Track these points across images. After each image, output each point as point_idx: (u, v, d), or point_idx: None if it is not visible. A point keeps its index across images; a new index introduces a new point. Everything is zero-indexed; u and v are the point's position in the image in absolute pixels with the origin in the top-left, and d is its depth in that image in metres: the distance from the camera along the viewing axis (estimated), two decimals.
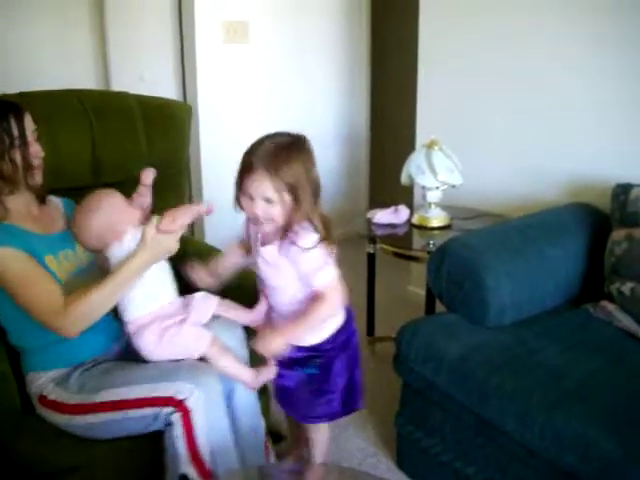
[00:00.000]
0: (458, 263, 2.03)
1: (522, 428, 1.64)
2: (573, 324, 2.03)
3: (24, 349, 1.73)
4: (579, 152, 2.60)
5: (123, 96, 2.24)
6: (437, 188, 2.62)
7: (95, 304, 1.60)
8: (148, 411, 1.59)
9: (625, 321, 1.98)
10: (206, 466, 1.58)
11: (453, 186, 2.61)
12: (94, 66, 3.84)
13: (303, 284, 1.67)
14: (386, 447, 2.29)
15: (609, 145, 2.49)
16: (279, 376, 1.77)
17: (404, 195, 3.35)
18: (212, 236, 3.73)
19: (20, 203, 1.73)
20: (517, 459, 1.72)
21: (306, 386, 1.79)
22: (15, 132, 1.66)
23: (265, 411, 1.92)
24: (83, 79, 3.78)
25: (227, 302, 1.79)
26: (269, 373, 1.72)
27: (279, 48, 4.03)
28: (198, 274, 1.79)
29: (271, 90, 4.06)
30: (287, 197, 1.59)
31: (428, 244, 2.55)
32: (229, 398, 1.74)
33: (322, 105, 4.36)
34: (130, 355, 1.74)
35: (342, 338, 1.79)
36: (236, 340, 1.82)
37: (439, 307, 2.32)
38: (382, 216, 2.75)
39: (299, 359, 1.75)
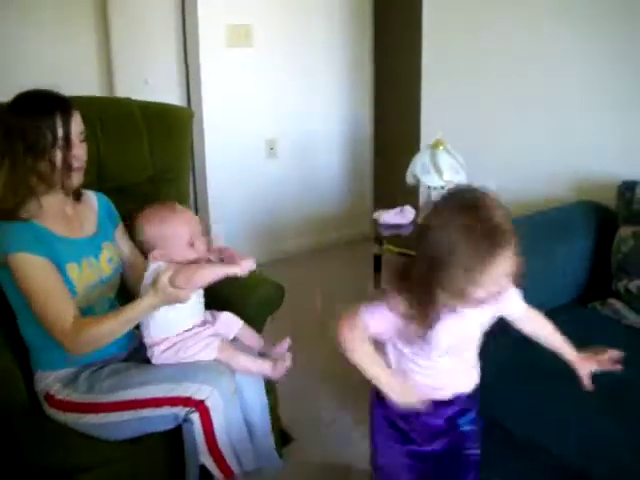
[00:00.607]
0: None
1: (533, 431, 1.63)
2: (580, 322, 2.02)
3: (33, 346, 1.72)
4: (585, 150, 2.59)
5: (126, 102, 2.25)
6: (442, 188, 2.62)
7: (102, 335, 1.61)
8: (166, 411, 1.60)
9: (633, 318, 1.98)
10: (226, 461, 1.63)
11: None
12: (98, 70, 3.86)
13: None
14: None
15: (615, 143, 2.48)
16: (413, 442, 1.48)
17: (409, 196, 3.35)
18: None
19: (55, 202, 1.70)
20: (523, 460, 1.71)
21: (458, 450, 1.51)
22: (60, 132, 1.61)
23: (274, 412, 1.92)
24: (87, 83, 3.80)
25: (249, 330, 1.86)
26: (286, 361, 1.76)
27: (282, 51, 4.03)
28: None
29: (275, 93, 4.07)
30: None
31: None
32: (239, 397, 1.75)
33: (326, 107, 4.36)
34: (139, 356, 1.75)
35: None
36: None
37: None
38: (388, 217, 2.75)
39: (455, 413, 1.48)
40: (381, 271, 2.89)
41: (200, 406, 1.58)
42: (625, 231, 2.08)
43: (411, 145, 3.38)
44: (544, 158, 2.76)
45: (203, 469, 1.65)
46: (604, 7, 2.44)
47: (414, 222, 2.75)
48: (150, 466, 1.71)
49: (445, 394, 1.43)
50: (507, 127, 2.91)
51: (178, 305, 1.62)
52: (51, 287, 1.59)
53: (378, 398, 1.47)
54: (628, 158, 2.42)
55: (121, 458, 1.64)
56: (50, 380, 1.69)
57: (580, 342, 1.86)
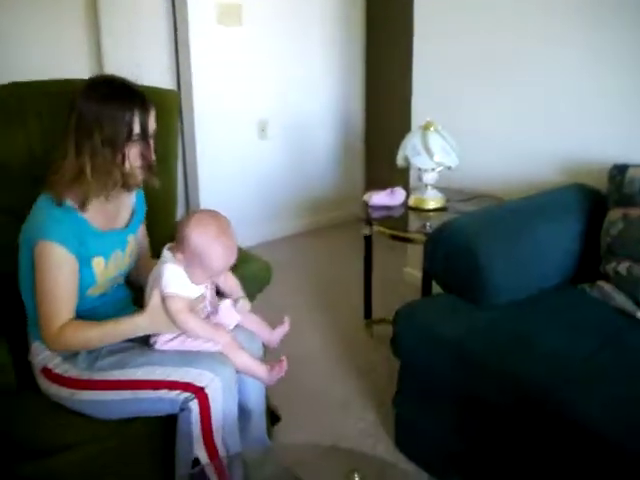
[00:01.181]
0: (454, 244, 2.03)
1: (521, 408, 1.65)
2: (570, 304, 2.03)
3: (33, 317, 1.69)
4: (576, 133, 2.59)
5: None
6: (433, 170, 2.62)
7: (84, 343, 1.63)
8: (164, 394, 1.59)
9: (621, 300, 1.99)
10: (217, 450, 1.62)
11: (449, 167, 2.61)
12: (88, 52, 3.81)
13: None
14: (384, 428, 2.30)
15: (606, 126, 2.48)
16: None
17: (400, 177, 3.35)
18: None
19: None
20: (514, 440, 1.73)
21: None
22: (137, 127, 1.58)
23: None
24: (77, 65, 3.76)
25: (253, 316, 1.84)
26: (281, 370, 1.74)
27: (273, 30, 4.00)
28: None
29: (265, 73, 4.04)
30: None
31: (424, 226, 2.55)
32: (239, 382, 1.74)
33: (317, 88, 4.34)
34: (142, 338, 1.73)
35: None
36: (255, 349, 1.82)
37: (436, 288, 2.32)
38: (378, 198, 2.75)
39: None
40: (372, 252, 2.90)
41: (200, 393, 1.57)
42: (615, 214, 2.09)
43: (403, 127, 3.37)
44: (535, 141, 2.76)
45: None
46: None
47: (405, 204, 2.75)
48: (136, 450, 1.70)
49: None
50: (497, 110, 2.90)
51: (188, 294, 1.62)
52: (60, 285, 1.58)
53: None
54: (618, 141, 2.42)
55: (107, 438, 1.64)
56: (49, 353, 1.67)
57: (569, 324, 1.89)
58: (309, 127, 4.34)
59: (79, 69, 3.72)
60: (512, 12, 2.76)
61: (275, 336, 1.83)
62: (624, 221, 2.04)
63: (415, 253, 3.35)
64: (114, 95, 1.58)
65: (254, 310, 1.87)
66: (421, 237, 2.42)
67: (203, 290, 1.68)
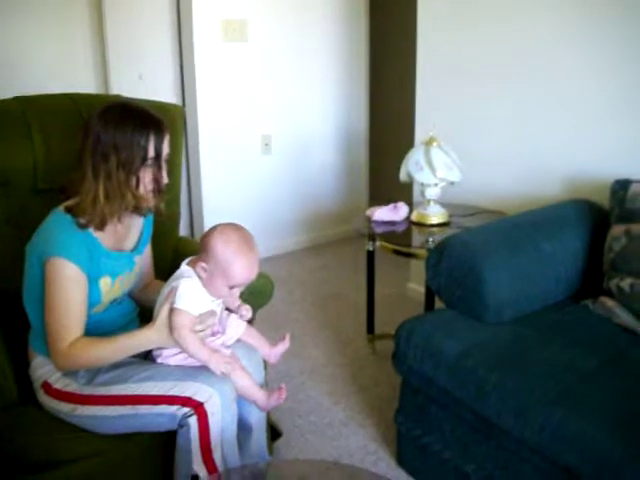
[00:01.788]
0: (457, 260, 2.03)
1: (521, 425, 1.63)
2: (572, 320, 2.02)
3: (38, 330, 1.69)
4: (578, 148, 2.59)
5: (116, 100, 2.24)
6: (436, 185, 2.62)
7: (94, 359, 1.61)
8: (163, 409, 1.58)
9: (624, 317, 1.98)
10: (216, 466, 1.61)
11: (452, 183, 2.61)
12: (93, 66, 3.85)
13: None
14: (386, 444, 2.29)
15: (608, 141, 2.48)
16: None
17: (404, 192, 3.35)
18: None
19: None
20: (516, 456, 1.72)
21: None
22: (151, 152, 1.61)
23: None
24: (82, 79, 3.80)
25: (253, 331, 1.83)
26: (280, 398, 1.74)
27: (278, 46, 4.03)
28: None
29: (270, 88, 4.06)
30: None
31: (427, 241, 2.55)
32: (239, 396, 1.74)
33: (321, 103, 4.36)
34: (143, 353, 1.73)
35: None
36: (254, 364, 1.81)
37: (439, 304, 2.32)
38: (381, 213, 2.75)
39: None
40: (374, 267, 2.90)
41: (199, 409, 1.56)
42: (617, 229, 2.08)
43: (406, 142, 3.38)
44: (537, 157, 2.76)
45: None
46: (598, 6, 2.44)
47: (408, 219, 2.75)
48: (135, 466, 1.69)
49: None
50: (500, 126, 2.91)
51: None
52: (72, 302, 1.58)
53: None
54: (621, 156, 2.42)
55: (107, 453, 1.63)
56: (50, 367, 1.67)
57: (572, 340, 1.88)
58: (313, 142, 4.35)
59: (85, 83, 3.76)
60: (514, 29, 2.77)
61: (275, 352, 1.83)
62: (627, 237, 2.04)
63: (418, 268, 3.34)
64: (131, 120, 1.59)
65: (254, 325, 1.87)
66: (424, 252, 2.42)
67: (214, 306, 1.68)
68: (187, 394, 1.57)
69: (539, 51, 2.69)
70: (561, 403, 1.59)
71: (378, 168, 4.94)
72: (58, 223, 1.61)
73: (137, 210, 1.69)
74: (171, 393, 1.58)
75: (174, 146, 2.19)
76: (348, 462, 2.17)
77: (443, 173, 2.56)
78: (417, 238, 2.69)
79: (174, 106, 2.33)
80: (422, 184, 2.64)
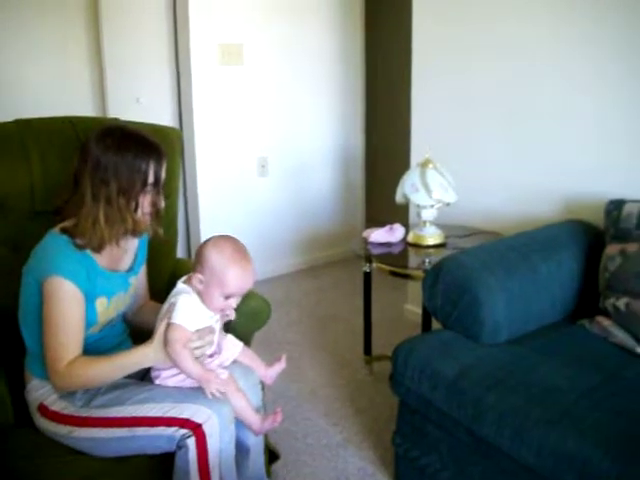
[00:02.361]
0: (453, 281, 2.04)
1: (518, 446, 1.63)
2: (569, 340, 2.03)
3: (34, 353, 1.69)
4: (573, 169, 2.61)
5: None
6: (432, 206, 2.63)
7: (92, 378, 1.61)
8: (161, 431, 1.57)
9: (621, 336, 1.98)
10: None
11: (447, 204, 2.63)
12: (91, 89, 3.87)
13: None
14: (384, 466, 2.28)
15: (602, 162, 2.50)
16: None
17: (400, 214, 3.37)
18: None
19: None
20: (514, 477, 1.71)
21: None
22: (151, 178, 1.63)
23: None
24: (80, 102, 3.82)
25: (249, 352, 1.83)
26: (275, 422, 1.74)
27: (273, 70, 4.07)
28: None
29: (266, 111, 4.09)
30: None
31: (423, 262, 2.56)
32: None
33: (317, 125, 4.39)
34: (141, 374, 1.73)
35: None
36: (251, 386, 1.81)
37: (435, 325, 2.32)
38: (378, 235, 2.76)
39: None
40: (371, 289, 2.90)
41: (197, 430, 1.55)
42: (612, 249, 2.09)
43: (402, 163, 3.40)
44: (532, 177, 2.78)
45: None
46: (592, 26, 2.47)
47: (404, 240, 2.76)
48: None
49: None
50: (495, 147, 2.93)
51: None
52: (69, 321, 1.58)
53: None
54: (615, 177, 2.44)
55: (104, 476, 1.62)
56: (46, 390, 1.67)
57: (569, 360, 1.88)
58: (309, 164, 4.37)
59: (82, 106, 3.79)
60: (507, 49, 2.80)
61: (271, 373, 1.82)
62: (622, 256, 2.05)
63: (415, 290, 3.35)
64: (131, 145, 1.61)
65: (251, 347, 1.86)
66: (420, 273, 2.43)
67: (213, 323, 1.68)
68: (185, 415, 1.56)
69: (533, 73, 2.72)
70: (558, 423, 1.59)
71: (374, 190, 4.96)
72: (55, 244, 1.62)
73: (135, 233, 1.71)
74: (169, 415, 1.57)
75: (172, 169, 2.22)
76: None
77: (439, 194, 2.58)
78: (413, 259, 2.70)
79: (172, 129, 2.34)
80: (418, 205, 2.66)
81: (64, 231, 1.63)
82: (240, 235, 1.72)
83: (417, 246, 2.71)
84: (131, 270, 1.81)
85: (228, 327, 1.81)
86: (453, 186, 2.62)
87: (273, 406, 2.11)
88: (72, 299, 1.58)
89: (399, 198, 2.69)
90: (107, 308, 1.70)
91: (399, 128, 4.23)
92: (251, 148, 4.08)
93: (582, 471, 1.49)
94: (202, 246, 1.67)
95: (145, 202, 1.66)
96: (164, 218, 1.80)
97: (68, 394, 1.65)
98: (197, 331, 1.62)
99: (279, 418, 1.75)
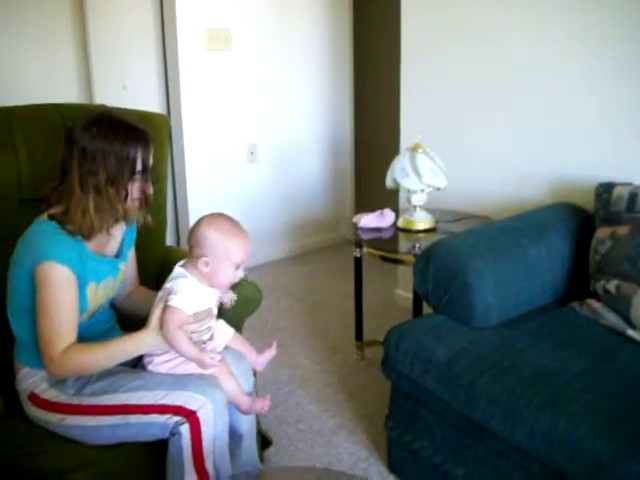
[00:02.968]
0: (443, 265, 2.04)
1: (511, 428, 1.64)
2: (559, 323, 2.04)
3: (24, 342, 1.67)
4: (562, 153, 2.62)
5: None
6: (422, 191, 2.63)
7: (88, 365, 1.59)
8: (154, 419, 1.57)
9: (611, 318, 1.99)
10: (208, 474, 1.60)
11: (438, 189, 2.62)
12: (77, 76, 3.84)
13: None
14: (377, 450, 2.29)
15: (592, 145, 2.51)
16: None
17: (390, 199, 3.36)
18: None
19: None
20: (507, 459, 1.72)
21: None
22: (139, 165, 1.62)
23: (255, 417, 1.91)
24: (66, 89, 3.79)
25: (239, 338, 1.84)
26: (264, 406, 1.75)
27: (261, 55, 4.04)
28: None
29: (254, 97, 4.07)
30: None
31: (414, 247, 2.56)
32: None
33: (306, 111, 4.37)
34: (133, 361, 1.72)
35: None
36: (243, 371, 1.80)
37: (427, 310, 2.32)
38: (368, 220, 2.75)
39: None
40: (362, 274, 2.90)
41: (191, 417, 1.55)
42: (602, 232, 2.10)
43: (391, 149, 3.39)
44: (522, 161, 2.78)
45: None
46: (583, 14, 2.47)
47: (394, 225, 2.76)
48: (125, 476, 1.67)
49: None
50: (485, 131, 2.93)
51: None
52: (64, 307, 1.57)
53: None
54: (604, 160, 2.45)
55: (97, 463, 1.61)
56: (37, 378, 1.65)
57: (560, 343, 1.89)
58: (298, 150, 4.36)
59: (68, 92, 3.75)
60: (498, 34, 2.79)
61: (261, 360, 1.83)
62: (612, 239, 2.05)
63: (406, 274, 3.35)
64: (119, 133, 1.59)
65: (242, 333, 1.86)
66: (411, 258, 2.43)
67: (210, 305, 1.68)
68: (178, 403, 1.56)
69: (524, 56, 2.71)
70: (550, 405, 1.60)
71: (364, 175, 4.95)
72: (44, 230, 1.60)
73: (125, 220, 1.71)
74: (162, 402, 1.57)
75: (160, 155, 2.20)
76: (339, 469, 2.17)
77: (429, 179, 2.58)
78: (404, 244, 2.70)
79: (159, 115, 2.32)
80: (408, 190, 2.65)
81: (52, 218, 1.61)
82: None
83: (407, 231, 2.70)
84: (119, 256, 1.80)
85: (220, 313, 1.81)
86: (443, 170, 2.61)
87: (264, 392, 2.11)
88: (66, 283, 1.56)
89: (389, 183, 2.69)
90: (96, 294, 1.69)
91: (388, 113, 4.21)
92: (240, 134, 4.05)
93: (574, 452, 1.50)
94: (196, 229, 1.66)
95: (134, 189, 1.65)
96: (153, 204, 1.79)
97: (59, 382, 1.64)
98: (195, 314, 1.61)
99: (267, 403, 1.76)
